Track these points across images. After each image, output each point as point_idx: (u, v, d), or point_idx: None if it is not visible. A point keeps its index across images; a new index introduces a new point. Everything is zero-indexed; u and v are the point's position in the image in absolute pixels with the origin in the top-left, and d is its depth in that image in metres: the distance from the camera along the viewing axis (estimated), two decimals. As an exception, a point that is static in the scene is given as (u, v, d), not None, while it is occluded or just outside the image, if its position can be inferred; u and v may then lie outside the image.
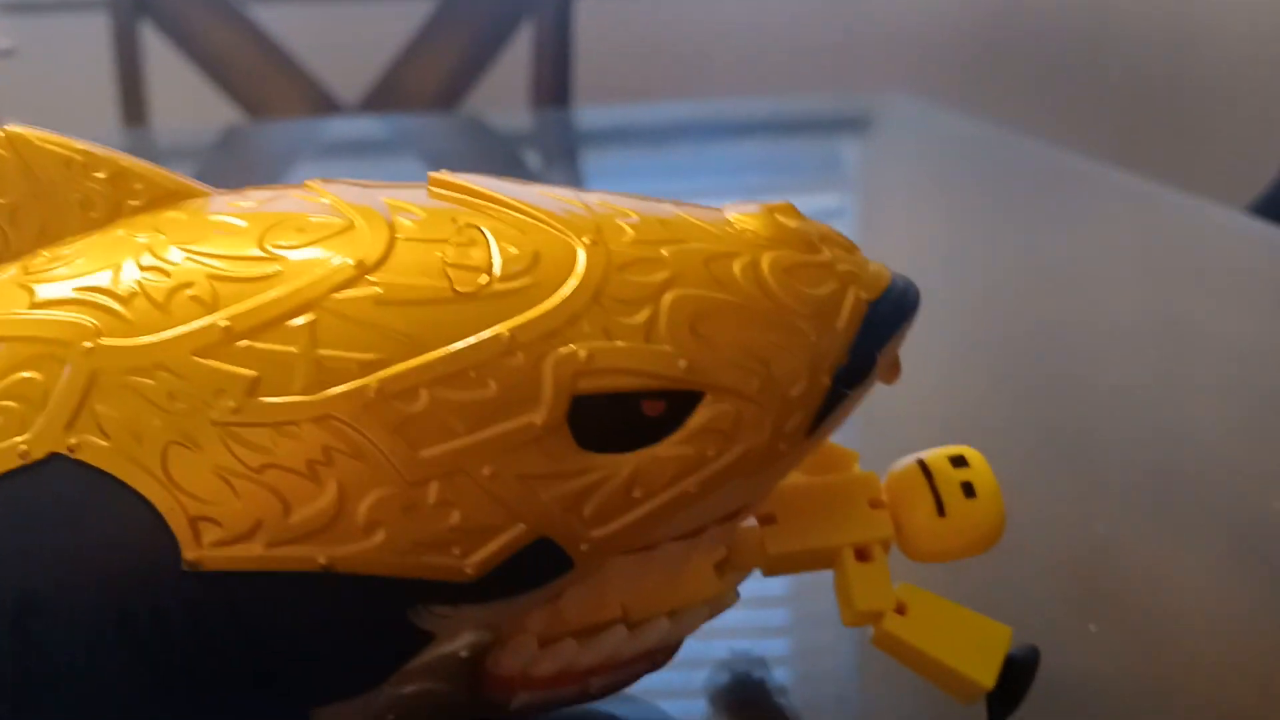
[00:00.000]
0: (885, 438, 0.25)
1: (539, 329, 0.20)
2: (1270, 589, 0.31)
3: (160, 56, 1.07)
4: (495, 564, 0.20)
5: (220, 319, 0.20)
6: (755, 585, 0.25)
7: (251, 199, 0.22)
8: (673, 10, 1.44)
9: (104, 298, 0.20)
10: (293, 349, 0.20)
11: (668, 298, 0.21)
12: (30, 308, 0.20)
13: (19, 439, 0.19)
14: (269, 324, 0.20)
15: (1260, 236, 0.61)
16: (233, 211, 0.22)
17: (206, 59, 1.06)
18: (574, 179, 0.76)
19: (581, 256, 0.21)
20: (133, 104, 1.05)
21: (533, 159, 0.90)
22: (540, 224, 0.22)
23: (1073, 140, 0.87)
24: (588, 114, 1.05)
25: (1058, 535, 0.33)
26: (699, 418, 0.21)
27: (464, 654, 0.21)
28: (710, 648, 0.27)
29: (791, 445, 0.22)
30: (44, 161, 0.22)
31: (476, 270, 0.21)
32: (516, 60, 1.08)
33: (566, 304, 0.21)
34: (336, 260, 0.20)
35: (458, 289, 0.20)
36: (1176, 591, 0.31)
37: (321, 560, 0.19)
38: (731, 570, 0.24)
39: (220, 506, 0.19)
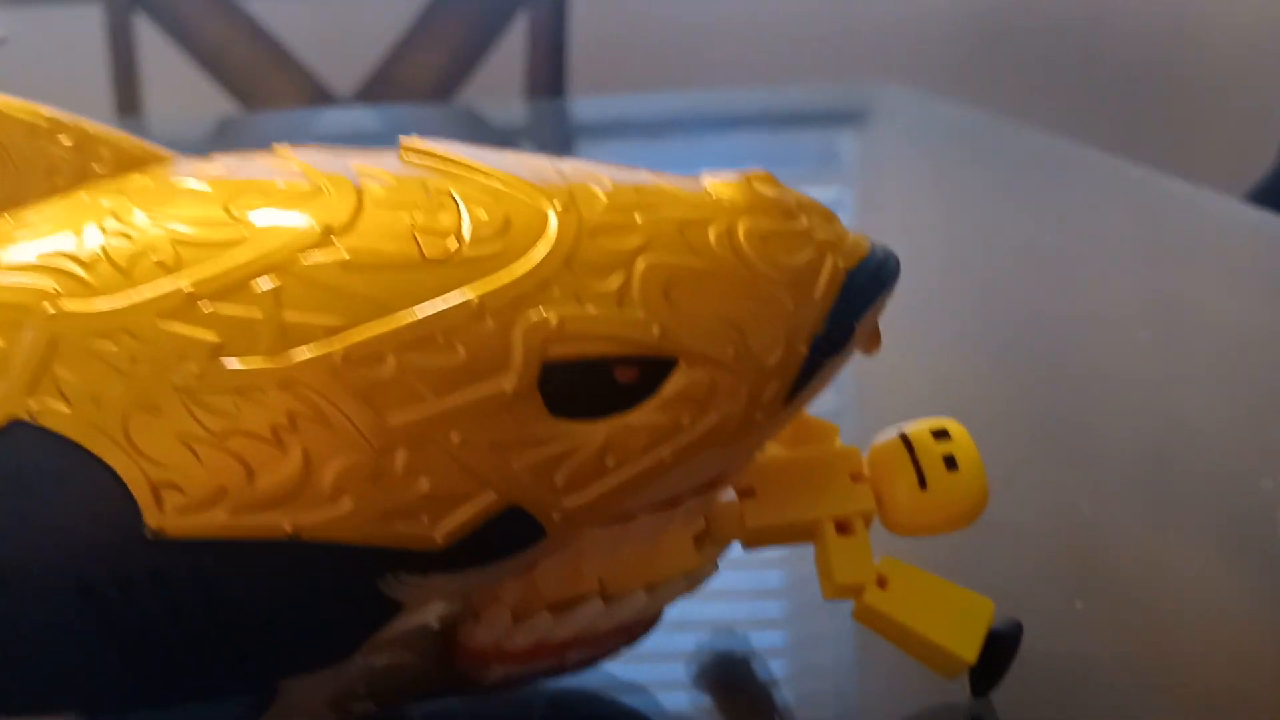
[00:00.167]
0: (882, 423, 0.25)
1: (509, 294, 0.20)
2: (1257, 568, 0.30)
3: (154, 47, 1.07)
4: (465, 533, 0.20)
5: (183, 283, 0.19)
6: (737, 558, 0.25)
7: (219, 165, 0.22)
8: (668, 1, 1.44)
9: (66, 262, 0.20)
10: (257, 313, 0.19)
11: (641, 263, 0.21)
12: None
13: None
14: (233, 288, 0.19)
15: (1256, 224, 0.60)
16: (199, 177, 0.21)
17: (201, 50, 1.06)
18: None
19: (553, 221, 0.21)
20: (127, 95, 1.04)
21: (528, 151, 0.90)
22: (512, 189, 0.21)
23: (1070, 129, 0.87)
24: (583, 105, 1.05)
25: (1045, 512, 0.33)
26: (673, 385, 0.21)
27: (435, 625, 0.21)
28: (691, 614, 0.27)
29: (768, 414, 0.22)
30: (9, 127, 0.22)
31: (445, 235, 0.20)
32: (512, 51, 1.08)
33: (537, 269, 0.20)
34: (303, 224, 0.20)
35: (426, 254, 0.20)
36: (1163, 569, 0.31)
37: (287, 528, 0.19)
38: (710, 543, 0.24)
39: (183, 473, 0.19)
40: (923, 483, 0.24)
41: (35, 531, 0.19)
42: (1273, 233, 0.58)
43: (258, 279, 0.19)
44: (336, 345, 0.19)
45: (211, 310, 0.19)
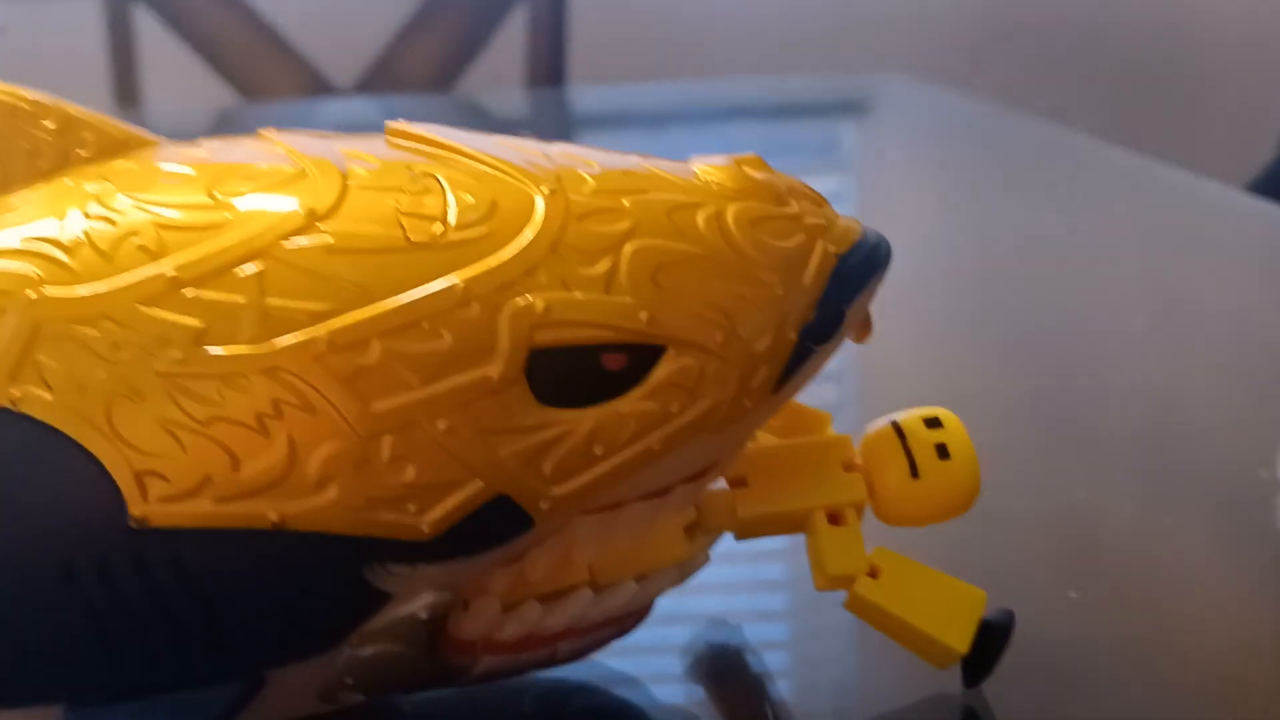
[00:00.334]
0: (879, 413, 0.25)
1: (495, 279, 0.20)
2: (1253, 556, 0.30)
3: (153, 37, 1.07)
4: (452, 522, 0.20)
5: (166, 268, 0.19)
6: (728, 550, 0.25)
7: (204, 148, 0.22)
8: (670, -8, 1.43)
9: (49, 247, 0.19)
10: (240, 298, 0.19)
11: (629, 248, 0.20)
12: None
13: None
14: (216, 273, 0.19)
15: (1257, 213, 0.60)
16: (183, 160, 0.21)
17: (200, 40, 1.06)
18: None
19: (540, 206, 0.21)
20: (125, 85, 1.04)
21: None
22: (498, 173, 0.21)
23: (1072, 120, 0.86)
24: (583, 95, 1.05)
25: (1039, 501, 0.32)
26: (661, 372, 0.20)
27: (423, 615, 0.21)
28: (683, 607, 0.27)
29: (757, 401, 0.21)
30: None
31: (431, 219, 0.20)
32: (511, 41, 1.08)
33: (524, 254, 0.20)
34: (287, 208, 0.20)
35: (411, 238, 0.20)
36: (1159, 558, 0.30)
37: (272, 517, 0.19)
38: (701, 533, 0.24)
39: (167, 461, 0.19)
40: (915, 472, 0.24)
41: (17, 520, 0.19)
42: (1273, 222, 0.58)
43: (241, 264, 0.19)
44: (321, 331, 0.19)
45: (194, 296, 0.19)
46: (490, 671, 0.23)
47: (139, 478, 0.19)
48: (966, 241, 0.58)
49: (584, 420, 0.20)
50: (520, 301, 0.20)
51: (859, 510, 0.24)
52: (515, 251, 0.20)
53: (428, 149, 0.22)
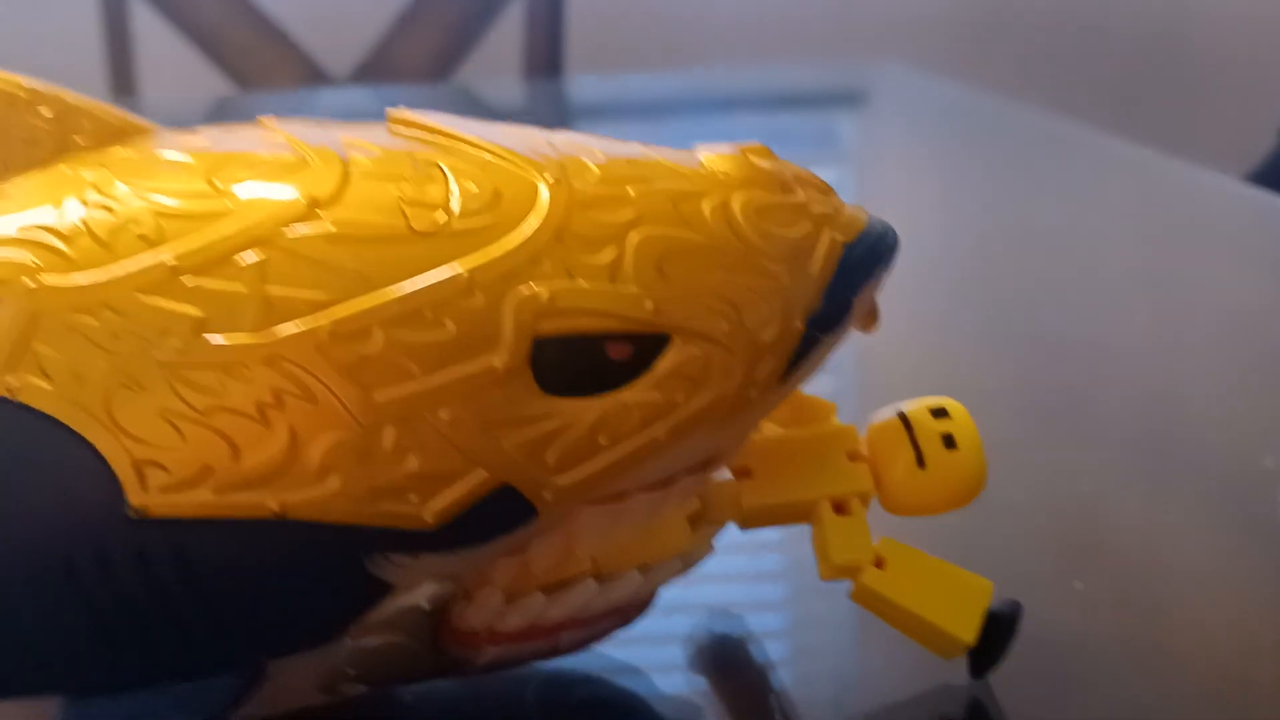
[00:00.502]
0: (881, 402, 0.25)
1: (499, 268, 0.19)
2: (1257, 547, 0.30)
3: (149, 27, 1.06)
4: (455, 512, 0.19)
5: (166, 256, 0.19)
6: (733, 540, 0.24)
7: (203, 137, 0.21)
8: (667, -18, 1.43)
9: (47, 235, 0.19)
10: (241, 287, 0.19)
11: (634, 237, 0.20)
12: None
13: None
14: (216, 261, 0.19)
15: (1256, 203, 0.60)
16: (183, 148, 0.21)
17: (196, 30, 1.05)
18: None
19: (544, 194, 0.20)
20: (122, 75, 1.04)
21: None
22: (502, 161, 0.21)
23: (1070, 109, 0.86)
24: (581, 85, 1.04)
25: (1044, 491, 0.32)
26: (666, 362, 0.20)
27: (425, 606, 0.21)
28: (687, 597, 0.27)
29: (763, 392, 0.21)
30: None
31: (434, 208, 0.20)
32: (508, 31, 1.07)
33: (528, 243, 0.20)
34: (288, 196, 0.20)
35: (414, 227, 0.20)
36: (1163, 549, 0.30)
37: (273, 507, 0.19)
38: (705, 523, 0.24)
39: (167, 451, 0.19)
40: (921, 462, 0.24)
41: (16, 511, 0.19)
42: (1273, 213, 0.58)
43: (242, 253, 0.19)
44: (323, 320, 0.19)
45: (194, 284, 0.19)
46: (493, 662, 0.22)
47: (138, 468, 0.19)
48: (965, 231, 0.58)
49: (588, 410, 0.20)
50: (524, 290, 0.19)
51: (865, 500, 0.24)
52: (519, 240, 0.20)
53: (430, 137, 0.21)
